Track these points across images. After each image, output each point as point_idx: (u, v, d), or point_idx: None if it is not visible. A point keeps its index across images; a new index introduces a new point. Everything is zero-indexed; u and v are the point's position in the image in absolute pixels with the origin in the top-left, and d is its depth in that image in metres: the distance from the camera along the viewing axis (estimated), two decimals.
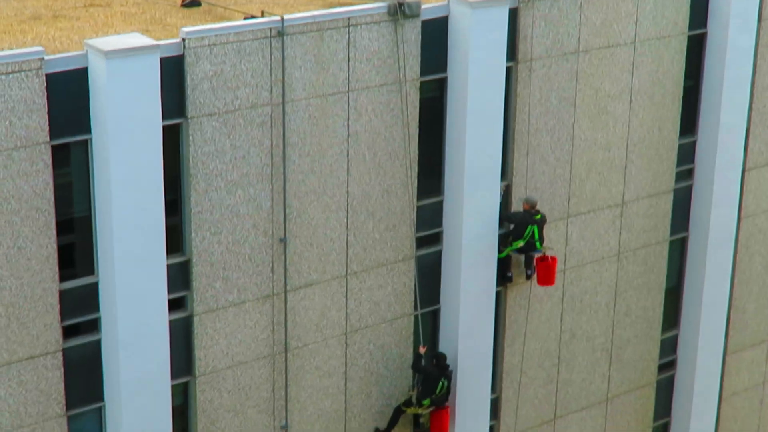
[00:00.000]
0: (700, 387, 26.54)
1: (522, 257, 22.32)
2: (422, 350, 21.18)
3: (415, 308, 21.56)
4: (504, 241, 21.84)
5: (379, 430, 21.83)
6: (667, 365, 26.51)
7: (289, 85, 18.70)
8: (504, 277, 22.34)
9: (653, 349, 25.89)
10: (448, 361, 21.68)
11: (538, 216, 21.58)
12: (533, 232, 21.54)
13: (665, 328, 26.07)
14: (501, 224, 21.80)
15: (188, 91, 17.76)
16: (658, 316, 25.68)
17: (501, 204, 21.77)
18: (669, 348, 26.37)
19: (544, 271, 22.21)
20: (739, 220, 26.06)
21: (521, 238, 21.60)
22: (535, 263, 22.23)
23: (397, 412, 21.65)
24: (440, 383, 21.34)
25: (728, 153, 24.96)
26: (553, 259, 22.27)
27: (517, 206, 21.98)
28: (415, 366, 21.32)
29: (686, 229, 25.52)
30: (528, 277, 22.40)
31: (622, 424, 25.89)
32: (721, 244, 25.67)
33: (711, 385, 26.86)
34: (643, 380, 25.93)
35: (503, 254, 21.90)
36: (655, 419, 26.65)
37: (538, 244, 21.68)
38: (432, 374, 21.27)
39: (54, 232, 17.15)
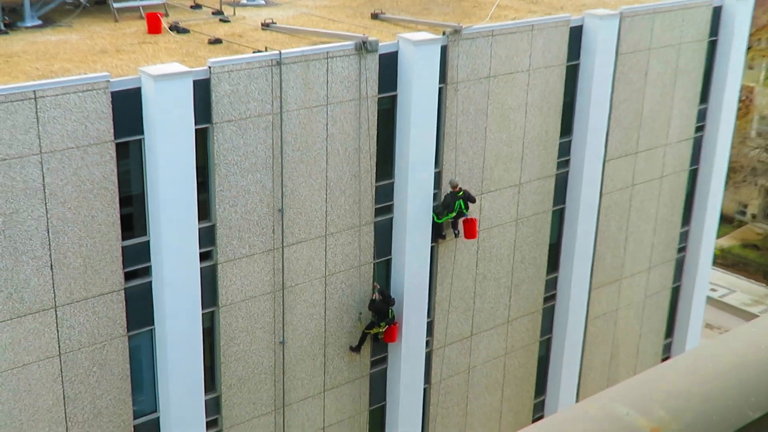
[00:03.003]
0: (573, 313, 26.86)
1: (451, 222, 22.41)
2: (376, 287, 21.34)
3: (374, 258, 21.70)
4: (441, 212, 21.94)
5: (351, 347, 21.89)
6: (550, 297, 26.79)
7: (285, 100, 18.71)
8: (439, 236, 22.40)
9: (540, 286, 26.17)
10: (396, 296, 21.85)
11: (461, 192, 21.67)
12: (460, 205, 21.66)
13: (548, 271, 26.33)
14: (441, 210, 21.90)
15: (213, 104, 17.74)
16: (544, 263, 25.94)
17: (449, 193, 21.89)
18: (551, 285, 26.65)
19: (469, 228, 22.31)
20: (600, 196, 26.33)
21: (453, 211, 21.72)
22: (461, 224, 22.33)
23: (364, 335, 21.72)
24: (389, 311, 21.49)
25: (593, 149, 25.18)
26: (474, 219, 22.42)
27: (445, 188, 22.09)
28: (370, 307, 21.39)
29: (563, 202, 25.76)
30: (456, 236, 22.51)
31: (518, 339, 26.20)
32: (588, 213, 25.94)
33: (580, 311, 27.19)
34: (533, 308, 26.22)
35: (441, 221, 21.99)
36: (541, 335, 26.95)
37: (465, 211, 21.75)
38: (382, 308, 21.38)
39: (117, 204, 17.13)
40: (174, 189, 17.38)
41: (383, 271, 22.24)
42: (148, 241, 17.97)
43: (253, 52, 18.50)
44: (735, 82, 27.95)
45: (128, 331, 18.14)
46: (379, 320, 21.42)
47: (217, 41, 19.35)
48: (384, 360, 23.17)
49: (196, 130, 17.52)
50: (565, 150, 25.00)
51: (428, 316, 23.35)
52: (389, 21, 22.18)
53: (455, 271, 23.52)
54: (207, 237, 18.62)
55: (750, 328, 2.51)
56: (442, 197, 22.07)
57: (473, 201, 21.95)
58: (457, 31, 20.95)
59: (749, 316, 47.62)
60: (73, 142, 16.24)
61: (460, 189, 21.74)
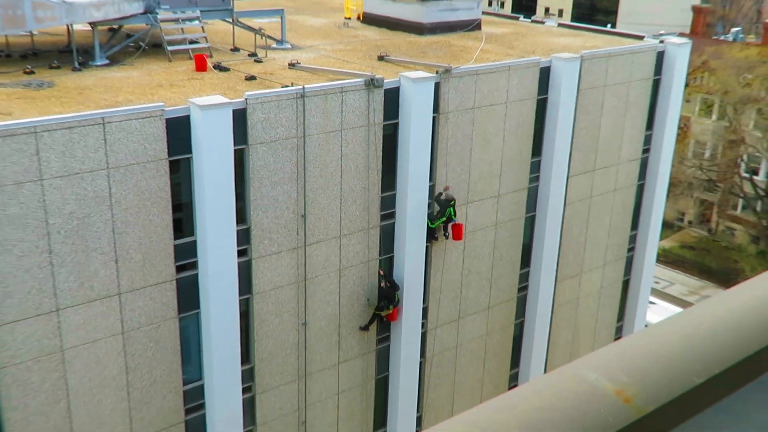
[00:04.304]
0: (541, 300, 26.78)
1: (442, 226, 22.40)
2: (381, 273, 21.21)
3: (380, 255, 21.65)
4: (434, 218, 21.92)
5: (361, 327, 21.83)
6: (523, 288, 26.74)
7: (307, 126, 18.70)
8: (433, 237, 22.36)
9: (515, 278, 26.09)
10: (398, 284, 21.82)
11: (452, 202, 21.68)
12: (450, 212, 21.65)
13: (522, 266, 26.28)
14: (433, 201, 21.82)
15: (249, 129, 17.73)
16: (518, 259, 25.87)
17: (439, 194, 21.81)
18: (524, 278, 26.58)
19: (457, 232, 22.33)
20: (565, 206, 26.31)
21: (443, 216, 21.71)
22: (450, 228, 22.31)
23: (374, 315, 21.65)
24: (395, 295, 21.43)
25: (559, 167, 25.15)
26: (461, 224, 22.39)
27: (440, 189, 22.06)
28: (379, 293, 21.32)
29: (534, 210, 25.74)
30: (446, 238, 22.47)
31: (497, 321, 26.14)
32: (554, 220, 25.89)
33: (548, 299, 27.11)
34: (509, 296, 26.15)
35: (434, 225, 21.95)
36: (516, 319, 26.87)
37: (453, 217, 21.77)
38: (389, 293, 21.33)
39: (170, 210, 17.11)
40: (216, 198, 17.35)
41: (387, 265, 22.20)
42: (195, 241, 17.94)
43: (282, 87, 18.49)
44: (675, 113, 27.93)
45: (179, 313, 18.10)
46: (388, 303, 21.38)
47: (252, 78, 19.36)
48: (387, 338, 23.11)
49: (235, 150, 17.50)
50: (535, 168, 24.96)
51: (423, 302, 23.29)
52: (393, 62, 22.20)
53: (445, 266, 23.48)
54: (243, 237, 18.58)
55: (695, 310, 2.48)
56: (434, 202, 22.04)
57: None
58: (447, 71, 20.95)
59: (686, 304, 47.69)
60: (134, 159, 16.24)
61: (453, 198, 21.76)
